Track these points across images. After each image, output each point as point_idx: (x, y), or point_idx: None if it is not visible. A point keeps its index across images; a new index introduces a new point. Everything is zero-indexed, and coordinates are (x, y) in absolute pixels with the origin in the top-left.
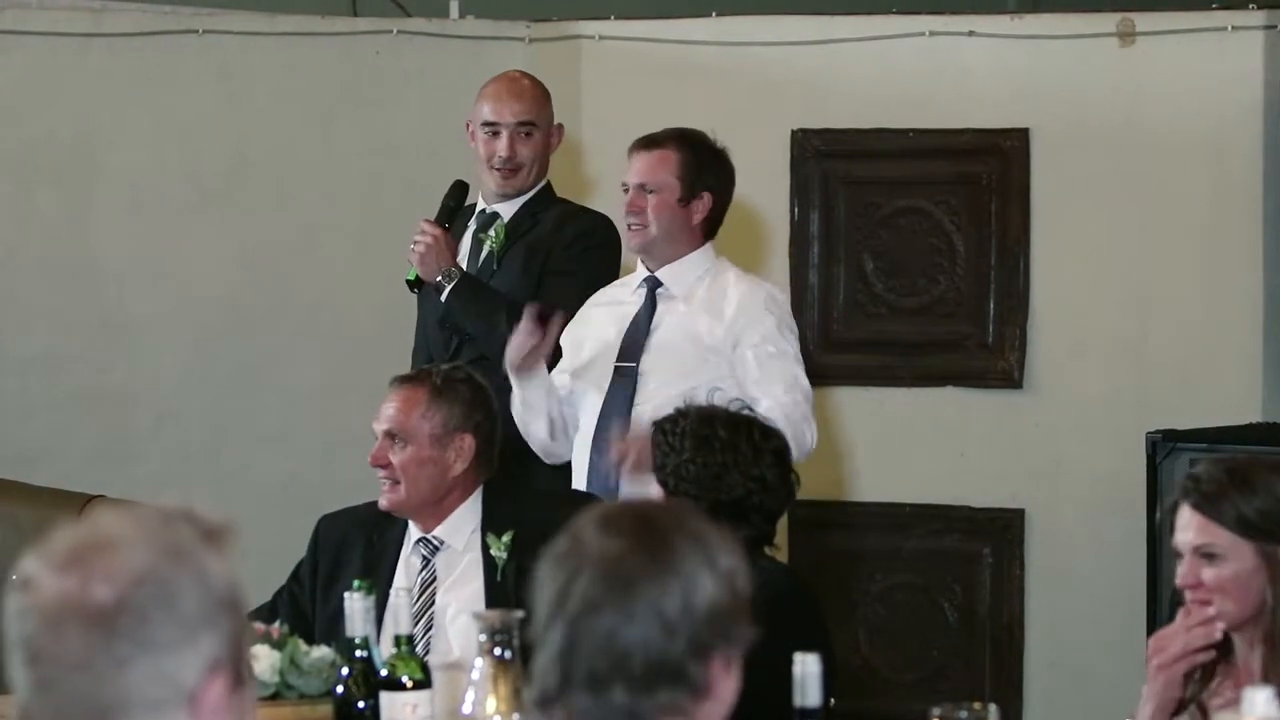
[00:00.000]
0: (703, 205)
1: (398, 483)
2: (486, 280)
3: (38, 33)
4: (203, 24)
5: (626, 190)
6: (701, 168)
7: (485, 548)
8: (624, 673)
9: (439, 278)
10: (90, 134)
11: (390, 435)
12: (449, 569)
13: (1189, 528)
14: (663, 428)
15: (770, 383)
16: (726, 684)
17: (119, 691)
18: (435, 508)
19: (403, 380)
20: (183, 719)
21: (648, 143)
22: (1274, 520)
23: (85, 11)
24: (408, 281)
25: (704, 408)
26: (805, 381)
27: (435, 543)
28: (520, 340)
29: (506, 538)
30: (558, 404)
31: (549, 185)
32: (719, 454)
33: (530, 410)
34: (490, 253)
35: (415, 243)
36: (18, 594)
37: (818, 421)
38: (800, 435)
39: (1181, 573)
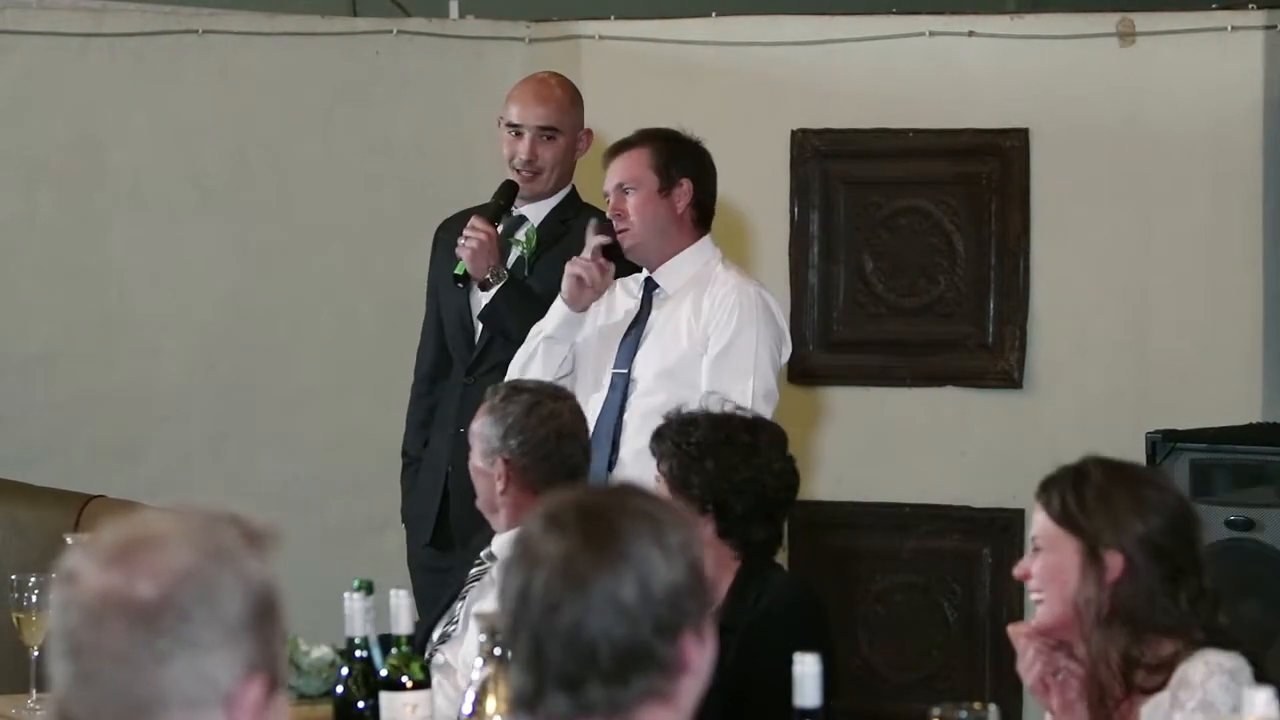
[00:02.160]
0: (684, 192)
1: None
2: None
3: (38, 33)
4: (203, 24)
5: (608, 199)
6: (674, 156)
7: None
8: (594, 668)
9: (487, 275)
10: (90, 134)
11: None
12: (484, 585)
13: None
14: (676, 443)
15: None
16: (700, 656)
17: (157, 687)
18: (495, 517)
19: (491, 390)
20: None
21: (619, 147)
22: (1088, 514)
23: (85, 11)
24: (454, 275)
25: (715, 414)
26: (750, 393)
27: (489, 555)
28: (589, 274)
29: None
30: (572, 352)
31: (574, 190)
32: (742, 458)
33: (558, 343)
34: (521, 258)
35: (466, 238)
36: (61, 587)
37: (818, 421)
38: None
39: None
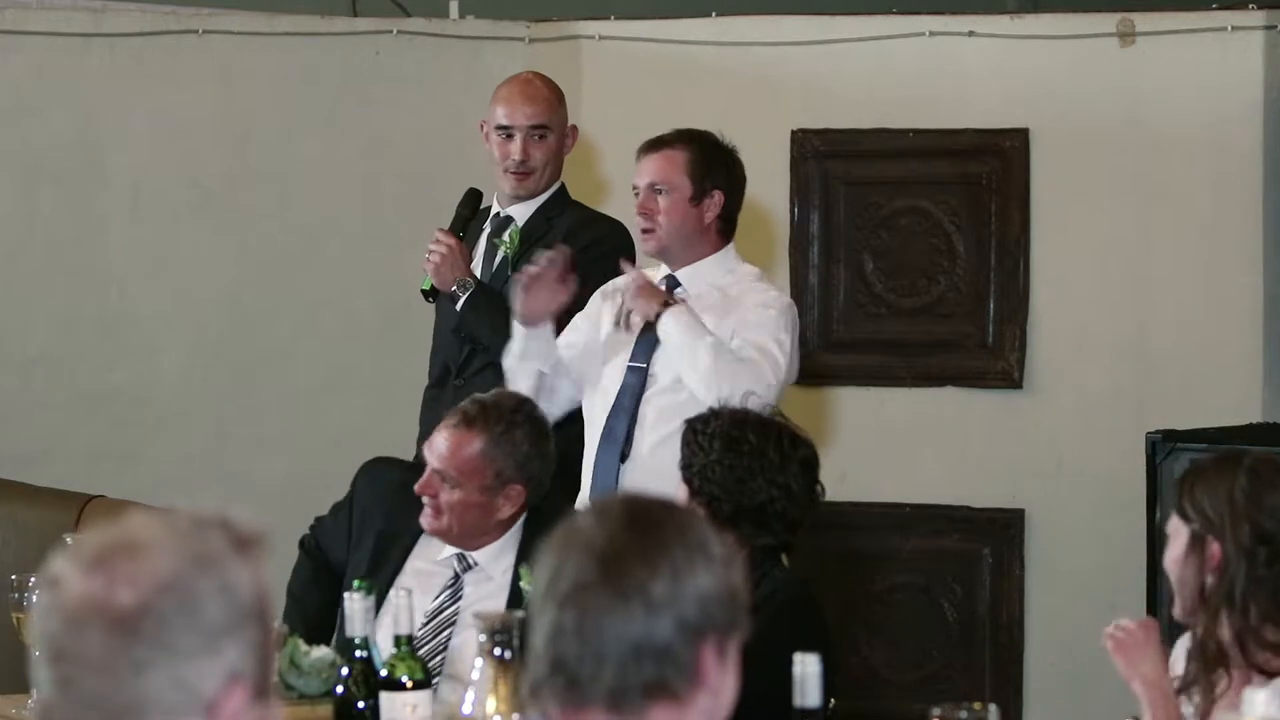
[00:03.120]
0: (714, 204)
1: (439, 513)
2: (501, 286)
3: (38, 33)
4: (203, 24)
5: (637, 193)
6: (711, 166)
7: (517, 578)
8: (610, 654)
9: (454, 288)
10: (91, 134)
11: (440, 474)
12: (477, 590)
13: None
14: (694, 426)
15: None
16: (721, 676)
17: (136, 695)
18: (478, 539)
19: (462, 419)
20: None
21: (656, 144)
22: (1202, 510)
23: (85, 11)
24: (423, 291)
25: (737, 410)
26: (777, 364)
27: (470, 562)
28: (536, 292)
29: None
30: (551, 366)
31: (563, 188)
32: (746, 458)
33: (525, 361)
34: (505, 258)
35: (430, 252)
36: (45, 592)
37: (817, 421)
38: (731, 372)
39: None
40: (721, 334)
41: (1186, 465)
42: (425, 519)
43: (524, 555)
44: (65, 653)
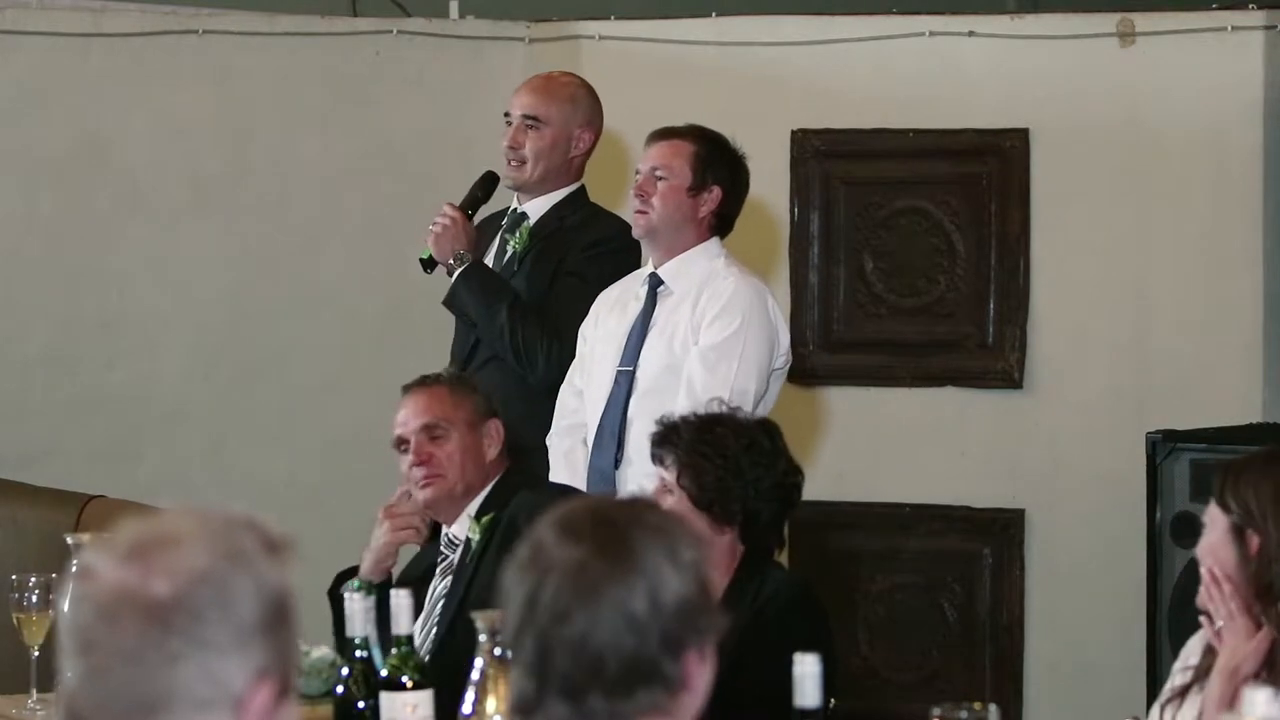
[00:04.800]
0: (711, 198)
1: (440, 475)
2: (508, 280)
3: (38, 33)
4: (203, 24)
5: (639, 176)
6: (714, 161)
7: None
8: (599, 678)
9: (450, 260)
10: (90, 134)
11: (429, 429)
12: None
13: None
14: (702, 452)
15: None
16: (701, 675)
17: (167, 687)
18: (465, 500)
19: (419, 383)
20: None
21: (667, 132)
22: (1245, 502)
23: (85, 11)
24: (420, 260)
25: (732, 420)
26: (729, 386)
27: (454, 540)
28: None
29: (486, 520)
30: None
31: (582, 189)
32: (766, 465)
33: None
34: (513, 254)
35: (434, 223)
36: (77, 582)
37: (817, 421)
38: None
39: None
40: (696, 333)
41: (1187, 465)
42: (424, 491)
43: (479, 513)
44: (97, 643)
